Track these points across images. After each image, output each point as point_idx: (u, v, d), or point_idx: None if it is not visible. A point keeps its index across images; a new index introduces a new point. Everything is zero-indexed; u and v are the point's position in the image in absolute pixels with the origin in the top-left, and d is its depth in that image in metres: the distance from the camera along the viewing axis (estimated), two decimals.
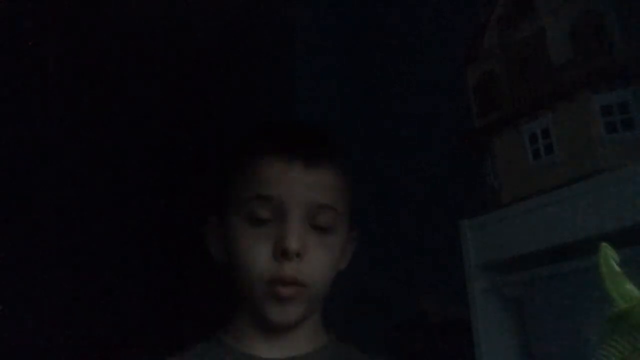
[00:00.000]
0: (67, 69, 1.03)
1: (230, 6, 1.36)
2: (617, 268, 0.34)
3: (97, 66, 1.07)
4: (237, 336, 0.70)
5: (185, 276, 1.12)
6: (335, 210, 0.68)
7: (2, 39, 0.94)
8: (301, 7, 1.57)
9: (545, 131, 0.72)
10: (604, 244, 0.35)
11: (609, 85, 0.67)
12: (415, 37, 1.37)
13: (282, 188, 0.66)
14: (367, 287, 1.21)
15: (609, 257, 0.34)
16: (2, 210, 0.90)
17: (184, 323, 1.06)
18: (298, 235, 0.65)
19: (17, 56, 0.96)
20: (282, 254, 0.64)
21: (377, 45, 1.54)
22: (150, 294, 1.06)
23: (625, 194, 0.61)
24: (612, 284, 0.34)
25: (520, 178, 0.76)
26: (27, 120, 0.97)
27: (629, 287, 0.34)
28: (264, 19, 1.48)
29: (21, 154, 0.95)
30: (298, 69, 1.53)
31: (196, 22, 1.27)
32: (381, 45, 1.52)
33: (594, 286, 0.35)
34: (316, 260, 0.66)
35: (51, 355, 0.91)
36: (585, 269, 0.64)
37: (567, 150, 0.70)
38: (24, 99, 0.97)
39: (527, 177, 0.75)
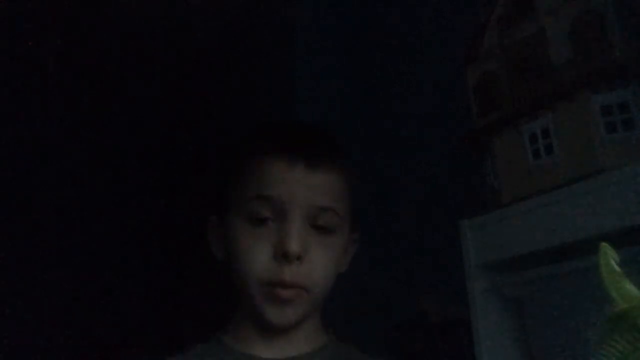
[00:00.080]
0: (67, 69, 1.03)
1: (230, 6, 1.36)
2: (617, 268, 0.34)
3: (97, 66, 1.07)
4: (236, 336, 0.70)
5: (185, 276, 1.12)
6: (336, 211, 0.68)
7: (2, 39, 0.94)
8: (301, 7, 1.57)
9: (545, 131, 0.72)
10: (604, 244, 0.35)
11: (609, 85, 0.67)
12: (415, 37, 1.37)
13: (283, 189, 0.66)
14: (367, 287, 1.21)
15: (609, 257, 0.34)
16: (2, 210, 0.90)
17: (184, 323, 1.06)
18: (299, 237, 0.64)
19: (17, 56, 0.96)
20: (282, 256, 0.64)
21: (377, 45, 1.54)
22: (150, 294, 1.06)
23: (625, 194, 0.61)
24: (612, 284, 0.34)
25: (520, 178, 0.75)
26: (27, 120, 0.97)
27: (629, 287, 0.34)
28: (264, 19, 1.48)
29: (21, 154, 0.95)
30: (298, 69, 1.53)
31: (196, 22, 1.27)
32: (381, 45, 1.52)
33: (594, 286, 0.35)
34: (317, 262, 0.66)
35: (51, 355, 0.91)
36: (585, 269, 0.64)
37: (567, 150, 0.70)
38: (24, 99, 0.97)
39: (527, 177, 0.75)
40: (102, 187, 1.05)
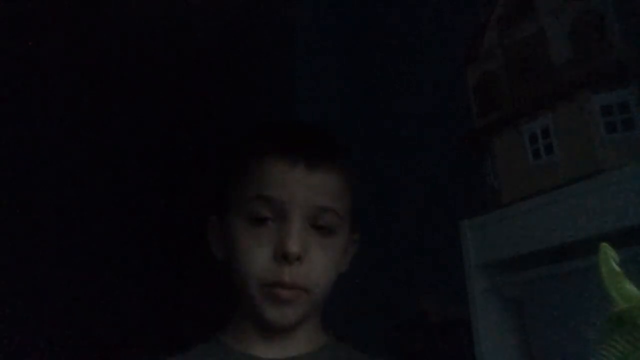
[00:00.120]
0: (67, 69, 1.03)
1: (230, 6, 1.36)
2: (617, 268, 0.34)
3: (97, 66, 1.07)
4: (236, 336, 0.70)
5: (185, 276, 1.12)
6: (336, 212, 0.67)
7: (2, 39, 0.94)
8: (301, 7, 1.57)
9: (545, 131, 0.72)
10: (604, 244, 0.35)
11: (609, 85, 0.67)
12: (415, 37, 1.37)
13: (283, 189, 0.66)
14: (367, 287, 1.21)
15: (609, 257, 0.34)
16: (2, 210, 0.90)
17: (184, 323, 1.06)
18: (299, 238, 0.64)
19: (17, 56, 0.96)
20: (282, 256, 0.64)
21: (377, 45, 1.54)
22: (150, 294, 1.06)
23: (625, 194, 0.61)
24: (612, 284, 0.34)
25: (520, 178, 0.75)
26: (27, 120, 0.97)
27: (629, 287, 0.34)
28: (264, 19, 1.48)
29: (21, 154, 0.95)
30: (298, 69, 1.53)
31: (196, 22, 1.27)
32: (381, 45, 1.52)
33: (594, 286, 0.35)
34: (317, 263, 0.66)
35: (51, 355, 0.91)
36: (585, 269, 0.64)
37: (567, 150, 0.70)
38: (24, 99, 0.97)
39: (527, 177, 0.75)
40: (102, 187, 1.05)
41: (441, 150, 1.24)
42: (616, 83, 0.67)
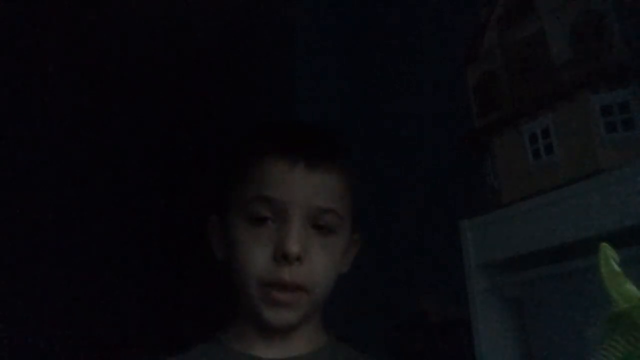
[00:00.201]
0: (67, 69, 1.03)
1: (230, 6, 1.36)
2: (617, 268, 0.34)
3: (97, 66, 1.07)
4: (236, 336, 0.70)
5: (185, 276, 1.12)
6: (336, 212, 0.67)
7: (2, 39, 0.94)
8: (301, 7, 1.57)
9: (545, 131, 0.72)
10: (604, 244, 0.35)
11: (609, 85, 0.67)
12: (415, 37, 1.37)
13: (283, 190, 0.66)
14: (367, 287, 1.21)
15: (609, 257, 0.34)
16: (2, 210, 0.90)
17: (184, 323, 1.06)
18: (299, 238, 0.64)
19: (17, 56, 0.96)
20: (282, 257, 0.64)
21: (377, 45, 1.54)
22: (150, 294, 1.06)
23: (625, 194, 0.61)
24: (612, 284, 0.34)
25: (520, 178, 0.76)
26: (27, 120, 0.97)
27: (629, 287, 0.34)
28: (264, 19, 1.48)
29: (21, 154, 0.95)
30: (298, 69, 1.53)
31: (196, 22, 1.27)
32: (381, 45, 1.52)
33: (594, 286, 0.35)
34: (317, 263, 0.66)
35: (51, 355, 0.91)
36: (585, 269, 0.64)
37: (567, 150, 0.70)
38: (24, 99, 0.97)
39: (527, 177, 0.75)
40: (102, 187, 1.05)
41: (441, 150, 1.24)
42: (616, 83, 0.67)
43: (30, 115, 0.98)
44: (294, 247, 0.63)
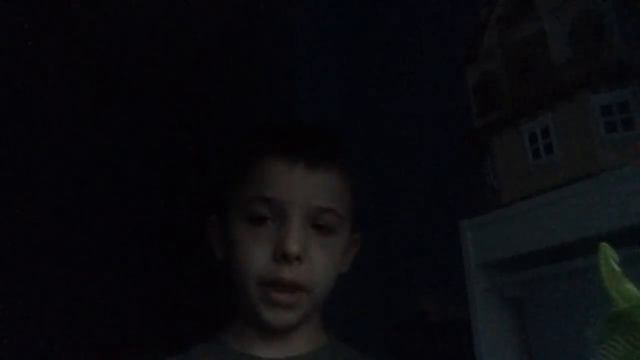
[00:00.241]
0: (67, 69, 1.03)
1: (230, 6, 1.36)
2: (617, 268, 0.34)
3: (97, 66, 1.07)
4: (236, 336, 0.70)
5: (185, 276, 1.12)
6: (336, 212, 0.67)
7: (2, 39, 0.94)
8: (301, 7, 1.57)
9: (545, 131, 0.72)
10: (604, 244, 0.35)
11: (609, 85, 0.67)
12: (415, 37, 1.37)
13: (283, 190, 0.66)
14: (367, 287, 1.21)
15: (609, 257, 0.34)
16: (2, 210, 0.90)
17: (184, 323, 1.06)
18: (299, 238, 0.64)
19: (17, 56, 0.96)
20: (282, 256, 0.64)
21: (377, 45, 1.54)
22: (150, 294, 1.06)
23: (625, 194, 0.61)
24: (612, 284, 0.34)
25: (520, 178, 0.75)
26: (27, 120, 0.97)
27: (629, 287, 0.34)
28: (264, 19, 1.48)
29: (21, 154, 0.95)
30: (298, 69, 1.53)
31: (196, 22, 1.27)
32: (381, 45, 1.52)
33: (594, 286, 0.35)
34: (317, 263, 0.66)
35: (51, 355, 0.91)
36: (585, 269, 0.64)
37: (567, 150, 0.70)
38: (24, 99, 0.97)
39: (527, 177, 0.75)
40: (102, 187, 1.05)
41: (441, 150, 1.24)
42: (616, 83, 0.67)
43: (30, 115, 0.97)
44: (293, 247, 0.63)
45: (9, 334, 0.87)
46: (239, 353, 0.68)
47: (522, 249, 0.73)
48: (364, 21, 1.58)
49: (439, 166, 1.24)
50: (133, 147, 1.11)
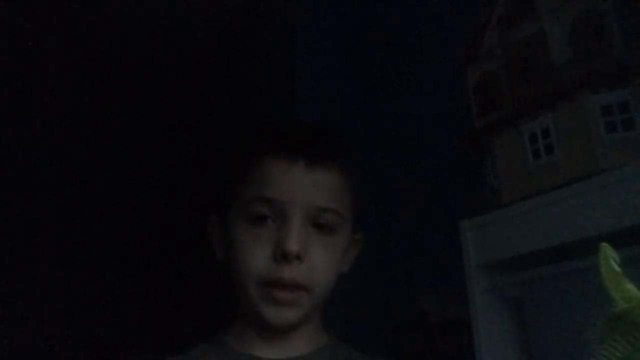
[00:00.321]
0: (67, 69, 1.03)
1: (230, 6, 1.36)
2: (617, 268, 0.34)
3: (97, 66, 1.07)
4: (237, 336, 0.70)
5: (185, 276, 1.12)
6: (337, 211, 0.67)
7: (2, 39, 0.94)
8: (301, 7, 1.57)
9: (545, 131, 0.72)
10: (604, 244, 0.35)
11: (609, 85, 0.67)
12: (415, 37, 1.37)
13: (283, 189, 0.66)
14: (367, 287, 1.21)
15: (609, 257, 0.34)
16: (2, 210, 0.90)
17: (184, 323, 1.06)
18: (299, 237, 0.64)
19: (17, 56, 0.96)
20: (282, 256, 0.64)
21: (377, 45, 1.54)
22: (150, 294, 1.06)
23: (625, 194, 0.61)
24: (612, 284, 0.34)
25: (520, 178, 0.75)
26: (27, 120, 0.97)
27: (629, 287, 0.34)
28: (264, 19, 1.48)
29: (21, 154, 0.95)
30: (298, 69, 1.53)
31: (196, 22, 1.27)
32: (381, 45, 1.52)
33: (594, 286, 0.35)
34: (317, 262, 0.66)
35: (51, 355, 0.91)
36: (585, 269, 0.64)
37: (567, 150, 0.70)
38: (24, 99, 0.97)
39: (527, 177, 0.75)
40: (102, 187, 1.05)
41: (441, 150, 1.24)
42: (616, 83, 0.67)
43: (30, 115, 0.98)
44: (293, 246, 0.63)
45: (9, 334, 0.87)
46: (239, 353, 0.68)
47: (522, 249, 0.73)
48: (364, 21, 1.58)
49: (439, 166, 1.24)
50: (133, 147, 1.11)
